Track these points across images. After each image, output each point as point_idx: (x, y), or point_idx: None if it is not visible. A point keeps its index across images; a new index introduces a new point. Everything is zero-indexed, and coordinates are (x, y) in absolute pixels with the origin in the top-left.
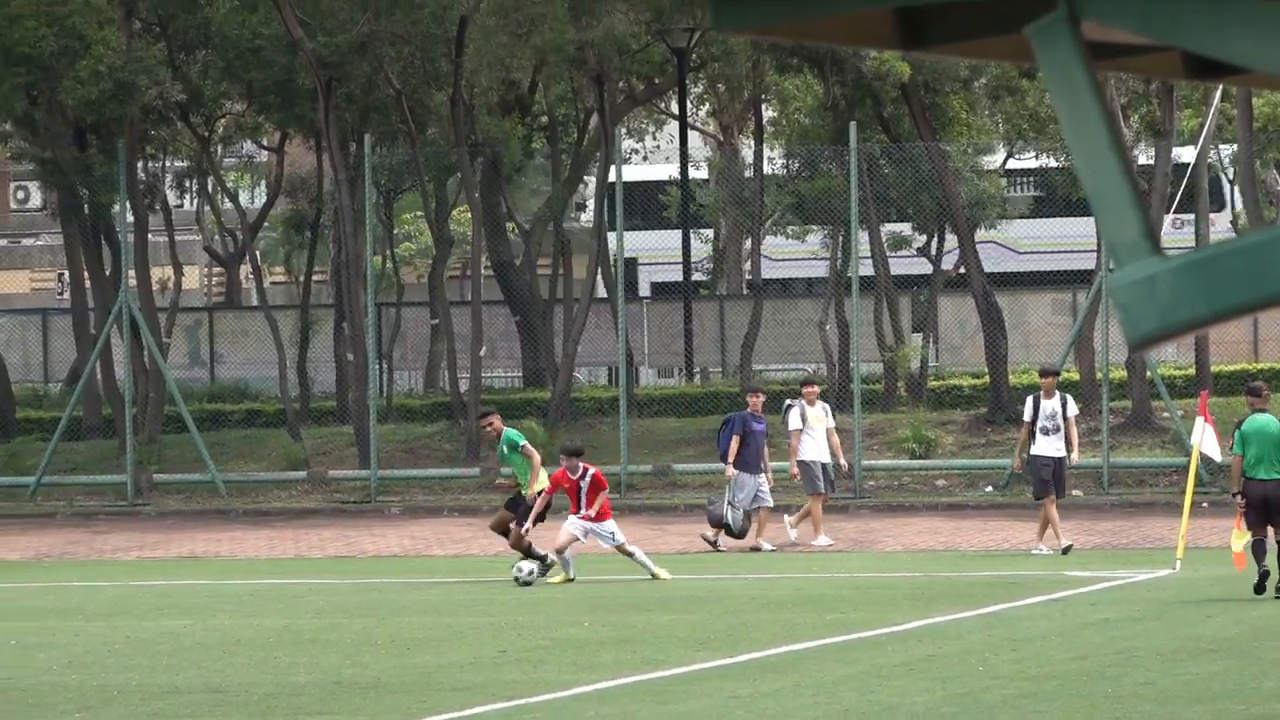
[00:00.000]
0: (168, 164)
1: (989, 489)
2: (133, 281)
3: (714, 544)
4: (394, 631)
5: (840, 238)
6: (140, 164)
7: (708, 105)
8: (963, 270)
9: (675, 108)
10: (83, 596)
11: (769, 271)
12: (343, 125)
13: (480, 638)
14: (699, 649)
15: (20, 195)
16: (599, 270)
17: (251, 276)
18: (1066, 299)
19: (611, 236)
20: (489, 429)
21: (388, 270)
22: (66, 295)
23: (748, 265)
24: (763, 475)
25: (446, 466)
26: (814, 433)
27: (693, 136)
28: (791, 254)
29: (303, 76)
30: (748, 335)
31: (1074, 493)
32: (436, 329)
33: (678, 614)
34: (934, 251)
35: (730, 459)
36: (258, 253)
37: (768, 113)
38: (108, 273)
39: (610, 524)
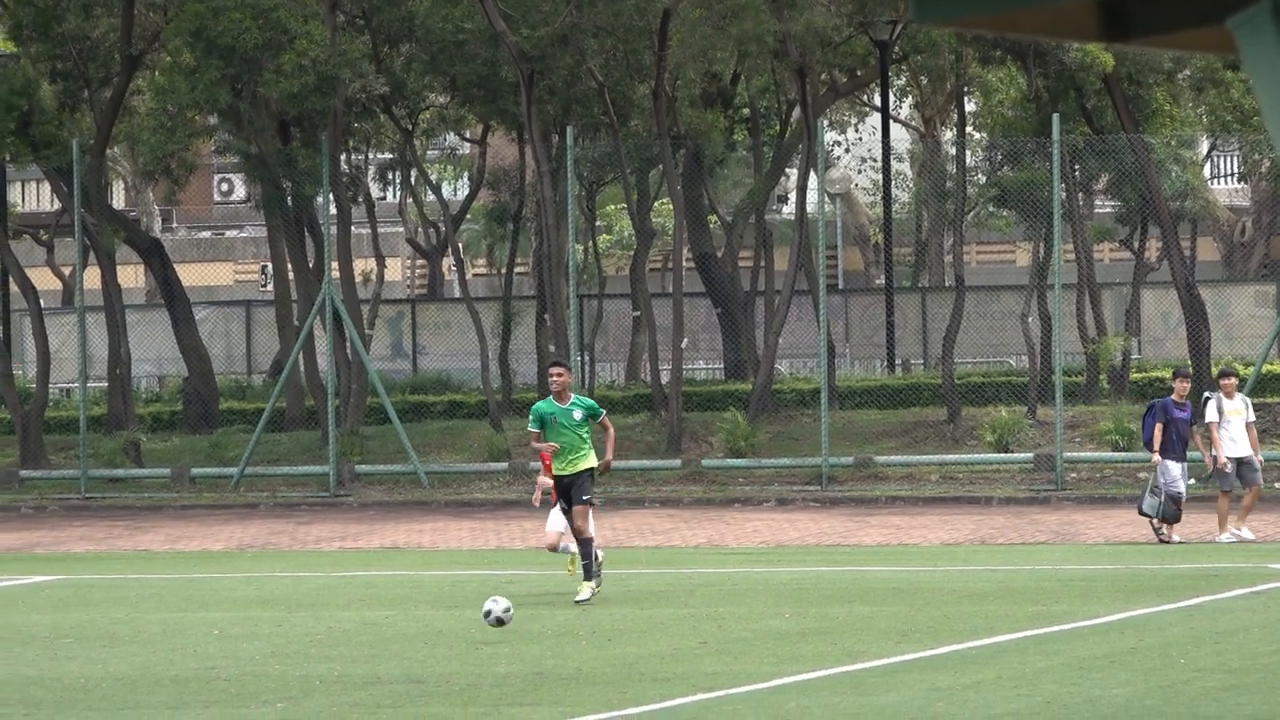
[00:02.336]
0: (371, 156)
1: (1191, 481)
2: (335, 273)
3: (1166, 538)
4: (595, 623)
5: (1043, 230)
6: (343, 156)
7: (910, 98)
8: (1166, 263)
9: (877, 100)
10: (285, 587)
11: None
12: (545, 118)
13: (681, 629)
14: (900, 641)
15: (224, 188)
16: (800, 262)
17: (454, 268)
18: (1270, 291)
19: (815, 228)
20: (559, 378)
21: (589, 262)
22: (270, 287)
23: (949, 258)
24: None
25: (648, 458)
26: (1230, 426)
27: (894, 129)
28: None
29: (506, 69)
30: (949, 327)
31: (1276, 485)
32: (638, 320)
33: (879, 606)
34: (1137, 244)
35: (1155, 447)
36: (460, 245)
37: (970, 105)
38: (311, 265)
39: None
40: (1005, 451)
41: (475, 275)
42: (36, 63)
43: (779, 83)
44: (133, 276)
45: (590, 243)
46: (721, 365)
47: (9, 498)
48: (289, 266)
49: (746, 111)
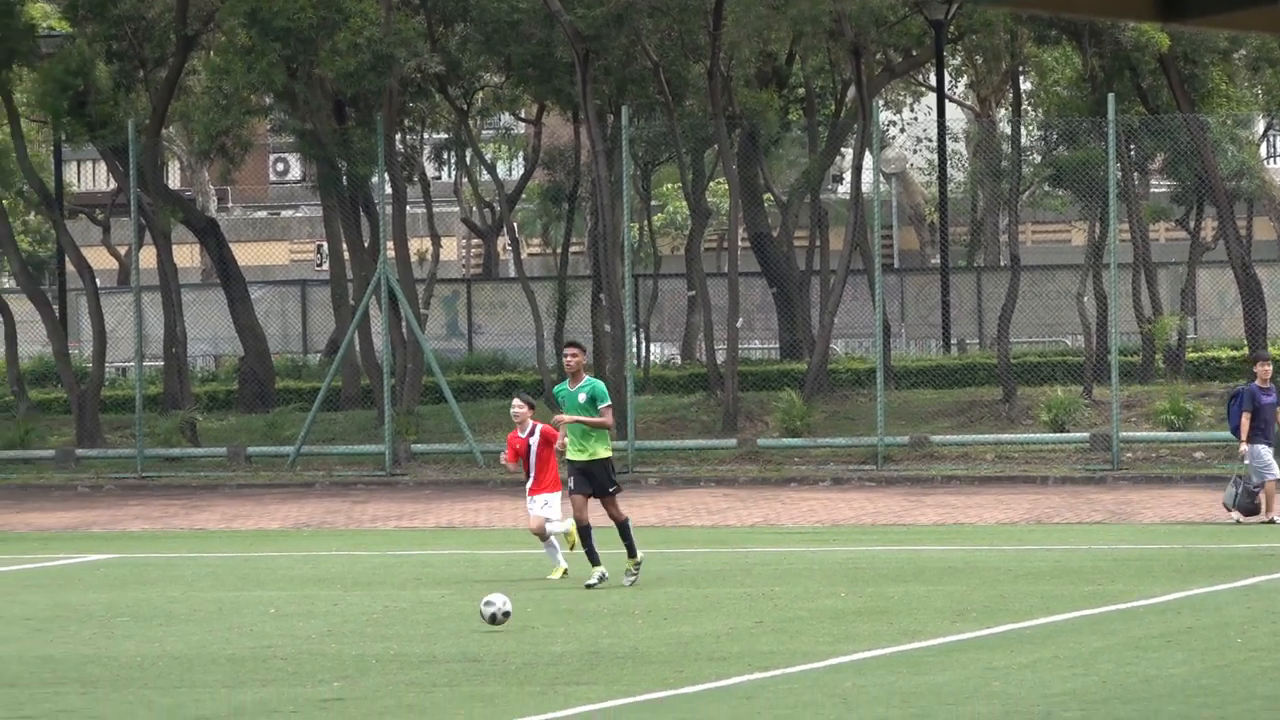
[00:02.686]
0: (426, 136)
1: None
2: (391, 253)
3: (1247, 521)
4: (651, 602)
5: (1099, 210)
6: (399, 136)
7: (965, 77)
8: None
9: (933, 80)
10: (341, 566)
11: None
12: (600, 97)
13: (736, 608)
14: (956, 620)
15: (280, 168)
16: (855, 242)
17: (509, 248)
18: None
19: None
20: (572, 358)
21: (644, 241)
22: (325, 267)
23: (1004, 237)
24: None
25: (703, 437)
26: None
27: (950, 108)
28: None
29: (561, 49)
30: (1004, 307)
31: None
32: (693, 300)
33: (934, 585)
34: (1192, 223)
35: (1243, 435)
36: (515, 224)
37: (1025, 84)
38: (366, 244)
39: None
40: (1061, 431)
41: (530, 255)
42: (92, 43)
43: (834, 62)
44: (188, 256)
45: (645, 222)
46: (777, 345)
47: (66, 476)
48: (344, 246)
49: (801, 91)
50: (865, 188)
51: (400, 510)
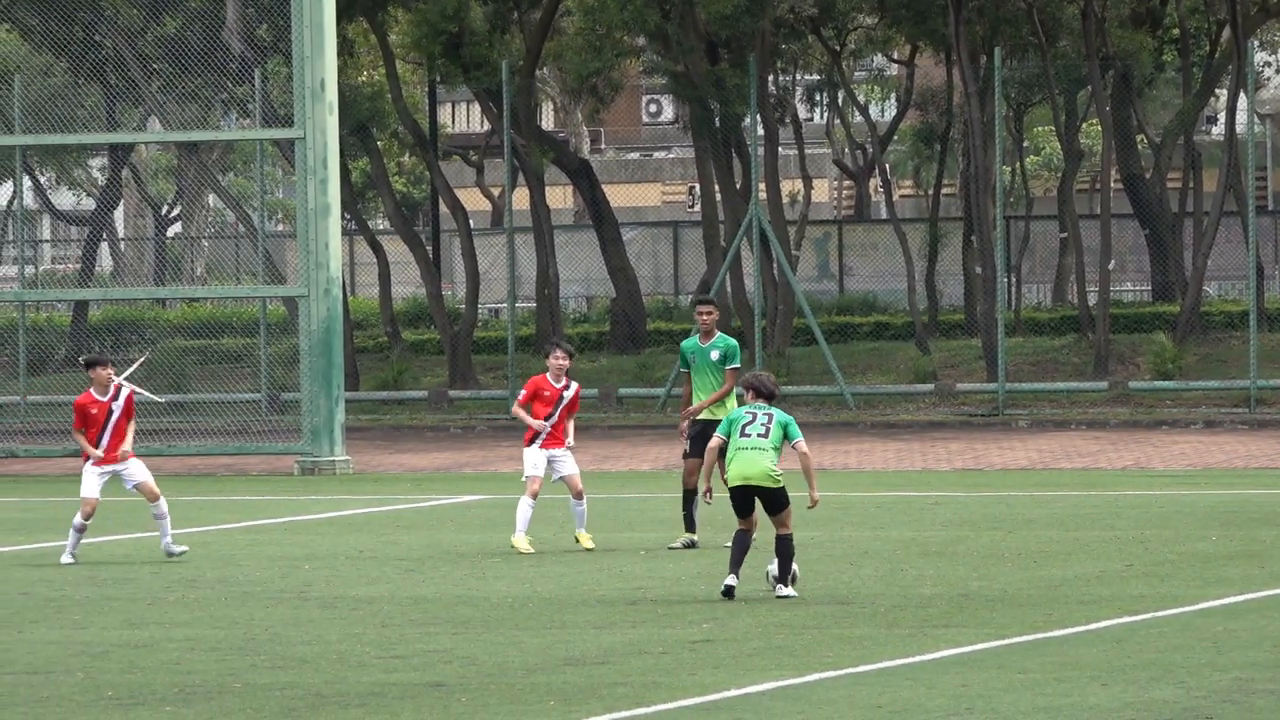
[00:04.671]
0: (798, 77)
1: None
2: (763, 194)
3: None
4: (1021, 544)
5: None
6: (771, 77)
7: None
8: None
9: None
10: (706, 507)
11: None
12: (973, 38)
13: (1106, 551)
14: None
15: (652, 109)
16: (1229, 183)
17: (881, 189)
18: None
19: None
20: (708, 316)
21: (1016, 183)
22: (697, 208)
23: None
24: None
25: (1074, 380)
26: None
27: None
28: None
29: None
30: None
31: None
32: (1065, 242)
33: None
34: None
35: None
36: (887, 166)
37: None
38: (738, 186)
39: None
40: None
41: (902, 196)
42: None
43: (1208, 2)
44: (561, 197)
45: (1017, 164)
46: (1149, 287)
47: (438, 418)
48: (716, 187)
49: (1176, 32)
50: (1239, 129)
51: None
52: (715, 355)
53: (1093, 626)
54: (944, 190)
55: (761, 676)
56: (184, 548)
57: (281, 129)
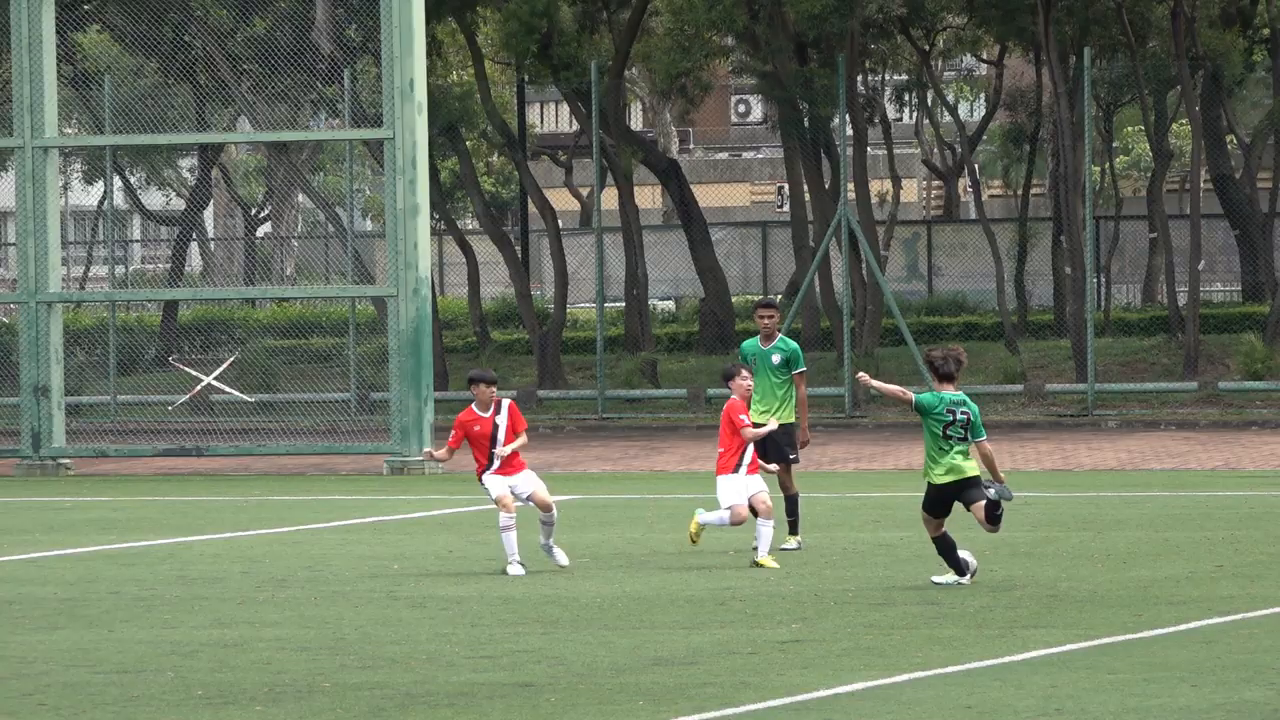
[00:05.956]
0: (887, 77)
1: None
2: (851, 194)
3: None
4: (1110, 545)
5: None
6: (859, 77)
7: None
8: None
9: None
10: (801, 508)
11: None
12: (1062, 38)
13: (1196, 552)
14: None
15: (741, 109)
16: None
17: (970, 190)
18: None
19: None
20: (768, 319)
21: (1106, 183)
22: (785, 208)
23: None
24: None
25: (1164, 380)
26: None
27: None
28: None
29: None
30: None
31: None
32: (1154, 242)
33: None
34: None
35: None
36: (976, 166)
37: None
38: (826, 186)
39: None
40: None
41: (991, 196)
42: None
43: None
44: (649, 197)
45: (1107, 164)
46: (1239, 287)
47: (527, 418)
48: (805, 187)
49: (1266, 32)
50: None
51: (859, 452)
52: (776, 359)
53: (1182, 627)
54: (1033, 190)
55: (850, 677)
56: (566, 561)
57: (370, 129)
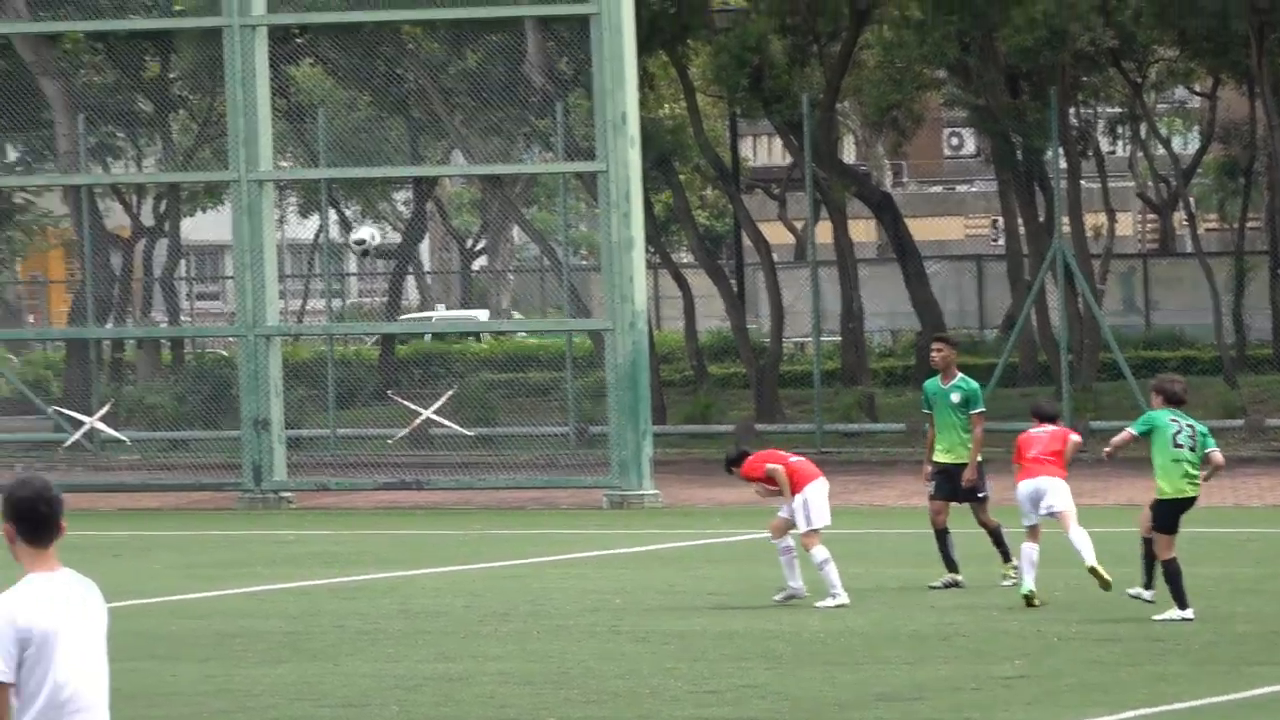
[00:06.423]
0: (1099, 110)
1: None
2: (1066, 228)
3: None
4: None
5: None
6: (1072, 110)
7: None
8: None
9: None
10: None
11: None
12: (1276, 70)
13: None
14: None
15: (954, 142)
16: None
17: (1185, 223)
18: None
19: None
20: (938, 354)
21: None
22: (1000, 241)
23: None
24: None
25: None
26: None
27: None
28: None
29: (1236, 21)
30: None
31: None
32: None
33: None
34: None
35: None
36: (1191, 199)
37: None
38: (1040, 219)
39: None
40: None
41: (1207, 230)
42: (767, 17)
43: None
44: (864, 231)
45: None
46: None
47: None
48: (1019, 221)
49: None
50: None
51: (1078, 488)
52: (956, 398)
53: None
54: (1250, 223)
55: (1076, 713)
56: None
57: (583, 162)
